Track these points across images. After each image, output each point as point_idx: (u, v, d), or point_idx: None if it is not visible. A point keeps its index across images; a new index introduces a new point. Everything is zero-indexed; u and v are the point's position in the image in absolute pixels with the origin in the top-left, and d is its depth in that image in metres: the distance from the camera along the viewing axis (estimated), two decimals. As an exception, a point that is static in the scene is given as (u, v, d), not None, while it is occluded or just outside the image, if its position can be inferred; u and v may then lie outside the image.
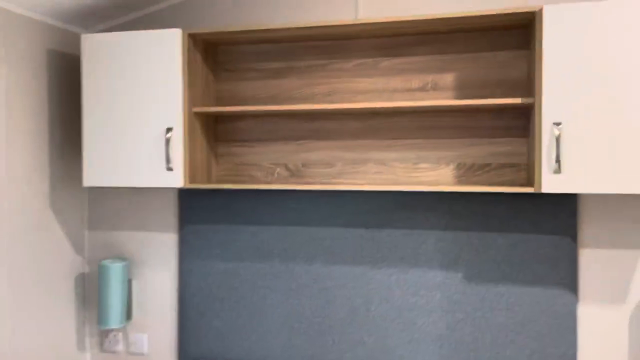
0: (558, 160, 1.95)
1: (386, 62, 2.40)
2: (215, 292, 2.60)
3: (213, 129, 2.58)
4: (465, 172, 2.32)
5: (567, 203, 2.21)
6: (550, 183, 1.98)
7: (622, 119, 1.91)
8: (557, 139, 1.95)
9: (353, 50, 2.44)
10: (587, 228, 2.22)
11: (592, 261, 2.21)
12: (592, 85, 1.93)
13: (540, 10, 1.99)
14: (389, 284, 2.40)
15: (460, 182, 2.33)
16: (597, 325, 2.21)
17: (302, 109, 2.25)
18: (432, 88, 2.35)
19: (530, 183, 2.21)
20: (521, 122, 2.27)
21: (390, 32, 2.28)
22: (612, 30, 1.92)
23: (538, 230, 2.24)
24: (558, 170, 1.96)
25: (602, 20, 1.92)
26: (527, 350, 2.25)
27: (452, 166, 2.34)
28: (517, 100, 2.06)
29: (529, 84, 2.24)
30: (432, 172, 2.36)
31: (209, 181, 2.55)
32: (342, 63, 2.46)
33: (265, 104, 2.55)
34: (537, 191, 2.00)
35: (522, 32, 2.26)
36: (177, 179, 2.32)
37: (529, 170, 2.24)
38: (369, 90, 2.42)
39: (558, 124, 1.97)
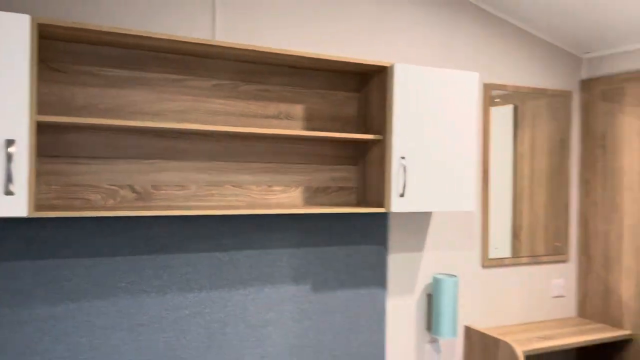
0: (404, 187, 2.15)
1: (245, 87, 2.15)
2: (35, 346, 1.82)
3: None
4: (311, 194, 2.28)
5: (383, 220, 2.43)
6: (397, 204, 2.16)
7: (443, 155, 2.24)
8: (404, 170, 2.15)
9: (212, 70, 2.10)
10: (393, 238, 2.49)
11: (395, 264, 2.49)
12: (425, 129, 2.20)
13: (392, 66, 2.16)
14: (245, 304, 2.15)
15: (307, 203, 2.28)
16: (397, 311, 2.50)
17: (155, 127, 1.80)
18: (285, 117, 2.23)
19: (360, 203, 2.34)
20: (354, 152, 2.38)
21: (247, 57, 2.06)
22: (441, 89, 2.23)
23: (366, 242, 2.38)
24: (402, 194, 2.16)
25: (434, 81, 2.21)
26: (356, 342, 2.36)
27: (300, 189, 2.26)
28: (370, 136, 2.17)
29: (358, 121, 2.37)
30: (284, 195, 2.23)
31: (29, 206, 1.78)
32: (200, 81, 2.08)
33: (104, 115, 1.94)
34: (387, 211, 2.16)
35: (356, 78, 2.37)
36: (20, 207, 1.56)
37: (358, 193, 2.37)
38: (227, 112, 2.13)
39: (403, 157, 2.16)
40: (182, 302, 2.03)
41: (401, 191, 2.15)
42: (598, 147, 2.91)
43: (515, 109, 2.86)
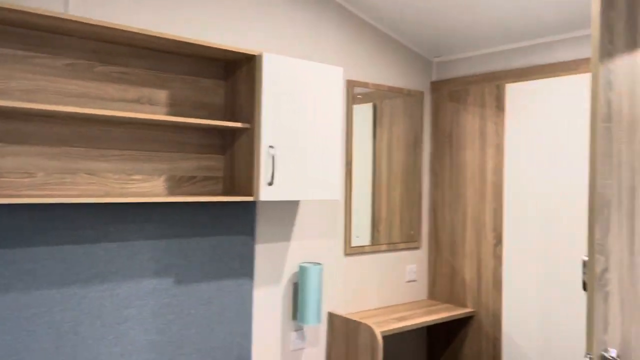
0: (272, 175, 2.16)
1: (102, 68, 2.00)
2: None
3: None
4: (176, 184, 2.19)
5: (250, 210, 2.41)
6: (265, 193, 2.16)
7: (309, 146, 2.29)
8: (273, 159, 2.16)
9: (65, 48, 1.91)
10: (260, 228, 2.48)
11: (262, 254, 2.48)
12: (292, 119, 2.22)
13: (260, 56, 2.15)
14: (102, 300, 2.00)
15: (171, 192, 2.18)
16: (264, 301, 2.50)
17: None
18: (147, 102, 2.11)
19: (227, 193, 2.31)
20: (221, 141, 2.33)
21: (105, 36, 1.92)
22: (307, 81, 2.27)
23: (232, 233, 2.34)
24: (271, 183, 2.17)
25: (301, 72, 2.25)
26: (222, 333, 2.32)
27: (163, 178, 2.16)
28: (238, 125, 2.14)
29: (226, 109, 2.32)
30: (146, 184, 2.11)
31: None
32: (51, 59, 1.89)
33: None
34: (256, 199, 2.15)
35: (223, 65, 2.32)
36: None
37: (225, 183, 2.33)
38: (81, 94, 1.95)
39: (272, 146, 2.17)
40: (28, 301, 1.82)
41: (270, 180, 2.15)
42: (446, 143, 3.18)
43: (375, 107, 3.01)
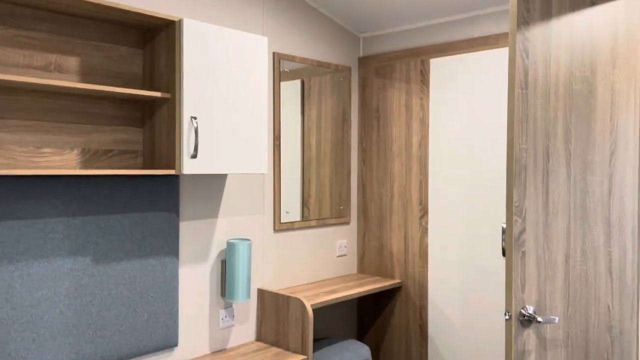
0: (196, 148, 2.07)
1: (3, 31, 1.82)
2: None
3: None
4: (90, 158, 2.05)
5: (173, 185, 2.31)
6: (188, 166, 2.07)
7: (235, 118, 2.21)
8: (196, 130, 2.07)
9: (-43, 6, 1.72)
10: (184, 204, 2.38)
11: (187, 231, 2.39)
12: (216, 89, 2.14)
13: (180, 21, 2.05)
14: (11, 282, 1.84)
15: (85, 167, 2.04)
16: (191, 279, 2.41)
17: None
18: (56, 69, 1.95)
19: (147, 167, 2.20)
20: (139, 113, 2.20)
21: None
22: (231, 50, 2.18)
23: (154, 209, 2.23)
24: (195, 156, 2.08)
25: (224, 41, 2.15)
26: (145, 315, 2.21)
27: (76, 151, 2.02)
28: (157, 94, 2.03)
29: (144, 79, 2.20)
30: (56, 157, 1.96)
31: None
32: (-60, 18, 1.69)
33: None
34: (178, 173, 2.06)
35: (140, 32, 2.19)
36: None
37: (144, 157, 2.21)
38: (-22, 58, 1.77)
39: (194, 117, 2.08)
40: None
41: (193, 152, 2.05)
42: (373, 118, 3.19)
43: (303, 83, 2.97)
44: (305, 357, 2.43)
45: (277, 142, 2.78)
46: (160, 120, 2.12)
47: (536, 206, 1.82)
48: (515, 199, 1.79)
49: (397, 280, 3.05)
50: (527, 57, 1.79)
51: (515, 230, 1.79)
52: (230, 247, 2.42)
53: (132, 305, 2.15)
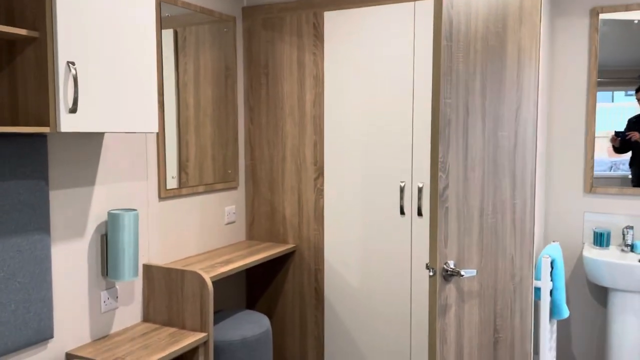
0: (75, 100, 1.72)
1: None
2: None
3: None
4: None
5: (39, 147, 1.91)
6: (67, 123, 1.71)
7: (120, 67, 1.87)
8: (75, 79, 1.71)
9: None
10: (54, 170, 1.99)
11: (59, 201, 2.01)
12: (97, 31, 1.78)
13: (48, -62, 1.64)
14: None
15: None
16: (66, 258, 2.05)
17: None
18: None
19: (6, 124, 1.78)
20: (-6, 55, 1.75)
21: None
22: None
23: (17, 176, 1.82)
24: (74, 110, 1.73)
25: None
26: (12, 305, 1.83)
27: None
28: (21, 31, 1.63)
29: (8, 15, 1.75)
30: None
31: None
32: None
33: None
34: (53, 131, 1.69)
35: (-11, -50, 1.72)
36: None
37: (2, 110, 1.78)
38: None
39: (72, 63, 1.72)
40: None
41: (72, 106, 1.69)
42: (262, 74, 2.99)
43: (176, 34, 2.64)
44: (205, 334, 2.23)
45: (160, 98, 2.45)
46: (24, 66, 1.70)
47: (457, 161, 1.82)
48: (440, 154, 1.76)
49: (291, 245, 2.95)
50: (452, 7, 1.74)
51: (440, 186, 1.77)
52: (113, 218, 2.09)
53: (-6, 295, 1.75)
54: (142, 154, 2.36)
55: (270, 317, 3.07)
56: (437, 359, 1.79)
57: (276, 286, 3.05)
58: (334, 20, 2.75)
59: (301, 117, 2.88)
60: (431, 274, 1.79)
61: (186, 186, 2.64)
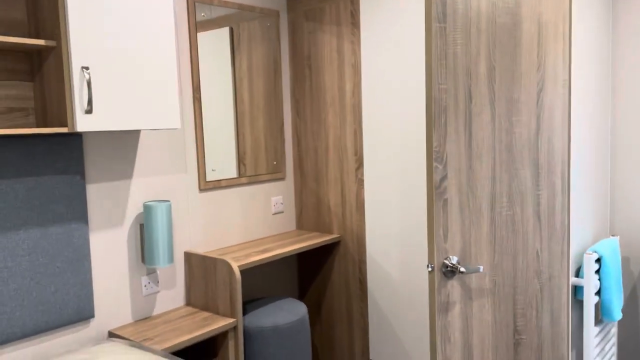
0: (90, 102, 1.87)
1: None
2: None
3: None
4: (-32, 117, 1.82)
5: (75, 144, 2.11)
6: (83, 122, 1.87)
7: (137, 68, 2.00)
8: (88, 82, 1.86)
9: None
10: (91, 165, 2.19)
11: (97, 194, 2.21)
12: (112, 35, 1.92)
13: (61, -45, 1.80)
14: None
15: (-37, 127, 1.81)
16: (105, 247, 2.25)
17: None
18: None
19: (40, 125, 1.99)
20: (27, 66, 1.97)
21: None
22: (129, -10, 1.96)
23: (52, 172, 2.04)
24: (90, 111, 1.88)
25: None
26: (52, 287, 2.05)
27: (-50, 110, 1.78)
28: (40, 42, 1.80)
29: (29, 25, 1.96)
30: None
31: None
32: None
33: None
34: (71, 131, 1.86)
35: (19, -28, 1.93)
36: None
37: (37, 114, 1.99)
38: None
39: (86, 68, 1.87)
40: None
41: (87, 107, 1.85)
42: (305, 66, 3.01)
43: (232, 31, 2.76)
44: (234, 319, 2.33)
45: (197, 95, 2.58)
46: (49, 73, 1.89)
47: (458, 150, 1.71)
48: (434, 144, 1.67)
49: (335, 235, 2.96)
50: (445, -14, 1.64)
51: (436, 177, 1.68)
52: (148, 209, 2.26)
53: (34, 277, 1.98)
54: (180, 149, 2.51)
55: (319, 307, 3.12)
56: (437, 358, 1.72)
57: (324, 276, 3.08)
58: (369, 6, 2.69)
59: (342, 107, 2.87)
60: (429, 269, 1.72)
61: (233, 177, 2.76)
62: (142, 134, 2.36)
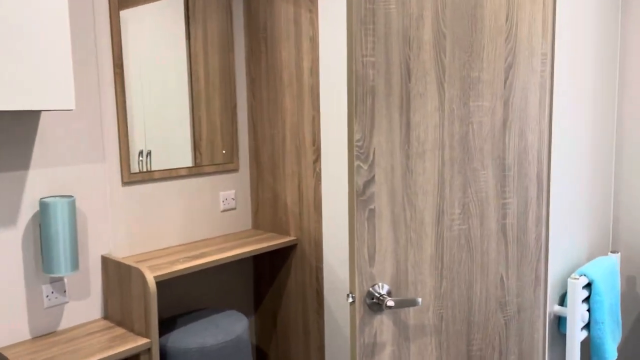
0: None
1: None
2: None
3: None
4: None
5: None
6: None
7: (19, 40, 1.64)
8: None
9: None
10: (-31, 153, 1.84)
11: (-22, 187, 1.86)
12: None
13: None
14: None
15: None
16: (-9, 251, 1.91)
17: None
18: None
19: None
20: None
21: None
22: None
23: None
24: (-57, 87, 1.52)
25: None
26: None
27: None
28: None
29: None
30: None
31: None
32: None
33: None
34: None
35: None
36: None
37: None
38: None
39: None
40: None
41: (-62, 82, 1.49)
42: (261, 40, 2.62)
43: (187, 2, 2.39)
44: (148, 340, 1.98)
45: (118, 71, 2.21)
46: None
47: (391, 145, 1.31)
48: (357, 136, 1.28)
49: (291, 238, 2.58)
50: None
51: (359, 180, 1.29)
52: (44, 207, 1.91)
53: None
54: (96, 135, 2.15)
55: (274, 319, 2.76)
56: (359, 415, 1.34)
57: (280, 284, 2.72)
58: (327, -33, 2.28)
59: (299, 89, 2.47)
60: (350, 300, 1.33)
61: (164, 169, 2.40)
62: (44, 117, 2.01)
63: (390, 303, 1.27)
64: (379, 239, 1.31)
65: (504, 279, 1.49)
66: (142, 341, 1.97)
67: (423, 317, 1.39)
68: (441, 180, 1.37)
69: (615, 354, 1.74)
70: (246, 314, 2.84)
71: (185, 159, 2.51)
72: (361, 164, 1.28)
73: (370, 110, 1.27)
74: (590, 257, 2.03)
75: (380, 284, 1.33)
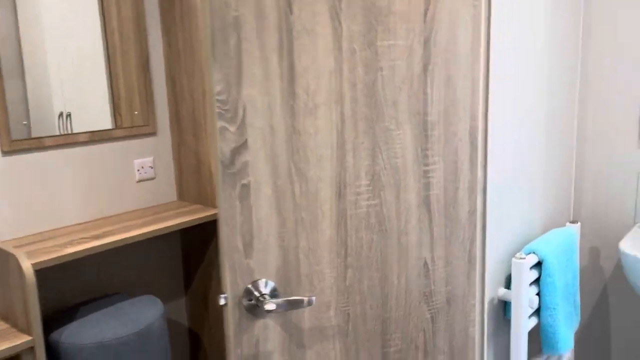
0: None
1: None
2: None
3: None
4: None
5: None
6: None
7: None
8: None
9: None
10: None
11: None
12: None
13: None
14: None
15: None
16: None
17: None
18: None
19: None
20: None
21: None
22: None
23: None
24: None
25: None
26: None
27: None
28: None
29: None
30: None
31: None
32: None
33: None
34: None
35: None
36: None
37: None
38: None
39: None
40: None
41: None
42: (174, -22, 2.25)
43: None
44: (30, 337, 1.69)
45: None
46: None
47: (269, 99, 1.00)
48: (218, 87, 0.96)
49: (214, 212, 2.28)
50: None
51: (224, 146, 0.98)
52: None
53: None
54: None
55: (206, 302, 2.48)
56: None
57: (209, 263, 2.44)
58: None
59: (214, 36, 2.12)
60: (223, 302, 1.04)
61: (57, 135, 2.07)
62: None
63: (270, 306, 0.99)
64: (257, 222, 1.02)
65: (429, 264, 1.21)
66: (21, 339, 1.69)
67: (322, 317, 1.12)
68: (341, 143, 1.07)
69: (571, 343, 1.50)
70: (176, 296, 2.57)
71: (105, 122, 2.19)
72: (226, 125, 0.97)
73: (235, 51, 0.95)
74: (547, 231, 1.77)
75: (263, 280, 1.04)
